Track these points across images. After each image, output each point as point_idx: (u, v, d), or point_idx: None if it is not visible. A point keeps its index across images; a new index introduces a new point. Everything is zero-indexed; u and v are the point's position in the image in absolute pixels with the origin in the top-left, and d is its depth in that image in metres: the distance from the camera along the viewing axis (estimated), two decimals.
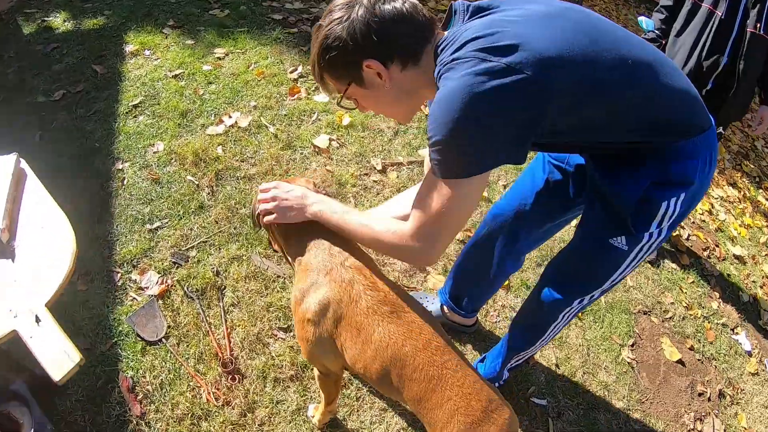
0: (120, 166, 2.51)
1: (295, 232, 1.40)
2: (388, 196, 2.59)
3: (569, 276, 1.48)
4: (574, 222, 1.65)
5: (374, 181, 2.65)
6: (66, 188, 2.38)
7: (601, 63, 1.04)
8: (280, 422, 1.84)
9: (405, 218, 1.18)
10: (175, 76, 3.06)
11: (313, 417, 1.85)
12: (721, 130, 2.41)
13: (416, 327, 1.25)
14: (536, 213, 1.60)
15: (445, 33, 1.13)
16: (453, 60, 1.02)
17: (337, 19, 1.08)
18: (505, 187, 2.90)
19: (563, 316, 1.55)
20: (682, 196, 1.18)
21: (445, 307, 2.09)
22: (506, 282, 2.36)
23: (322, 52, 1.12)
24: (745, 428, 2.28)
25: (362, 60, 1.10)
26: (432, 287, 2.34)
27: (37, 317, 1.25)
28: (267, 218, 1.36)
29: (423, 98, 1.24)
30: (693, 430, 2.19)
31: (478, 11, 1.13)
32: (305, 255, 1.37)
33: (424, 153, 2.88)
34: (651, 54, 1.12)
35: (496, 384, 1.95)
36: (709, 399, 2.26)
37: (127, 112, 2.81)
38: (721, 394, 2.30)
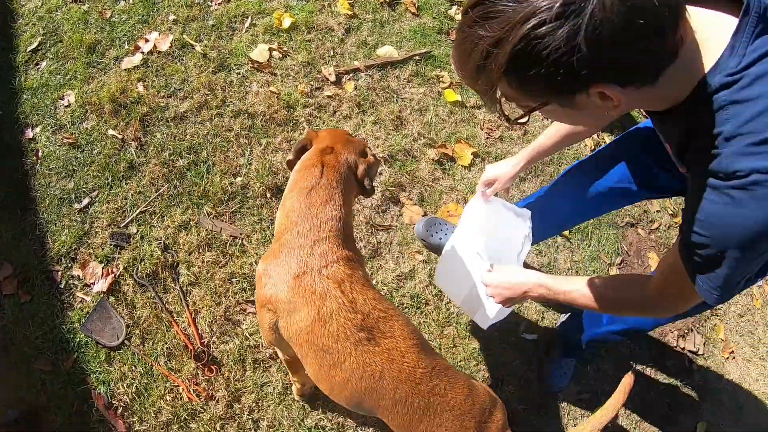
0: (30, 134, 2.11)
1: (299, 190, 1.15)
2: (347, 114, 2.18)
3: None
4: None
5: (328, 96, 2.21)
6: None
7: None
8: (269, 405, 1.68)
9: None
10: (76, 0, 2.51)
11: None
12: None
13: (397, 355, 1.05)
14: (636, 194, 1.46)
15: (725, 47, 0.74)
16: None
17: (555, 14, 0.63)
18: None
19: None
20: None
21: None
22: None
23: (513, 59, 0.67)
24: (722, 340, 2.25)
25: (592, 85, 0.70)
26: (408, 221, 2.04)
27: None
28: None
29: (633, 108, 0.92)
30: (676, 347, 2.15)
31: None
32: (287, 231, 1.12)
33: (383, 52, 2.39)
34: None
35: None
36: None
37: (26, 61, 2.33)
38: None
